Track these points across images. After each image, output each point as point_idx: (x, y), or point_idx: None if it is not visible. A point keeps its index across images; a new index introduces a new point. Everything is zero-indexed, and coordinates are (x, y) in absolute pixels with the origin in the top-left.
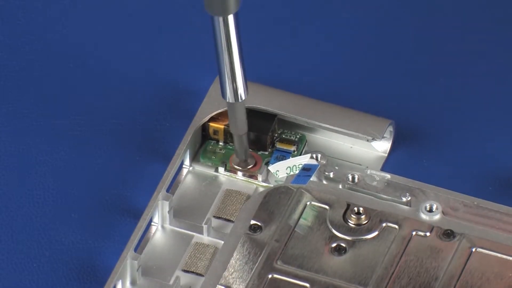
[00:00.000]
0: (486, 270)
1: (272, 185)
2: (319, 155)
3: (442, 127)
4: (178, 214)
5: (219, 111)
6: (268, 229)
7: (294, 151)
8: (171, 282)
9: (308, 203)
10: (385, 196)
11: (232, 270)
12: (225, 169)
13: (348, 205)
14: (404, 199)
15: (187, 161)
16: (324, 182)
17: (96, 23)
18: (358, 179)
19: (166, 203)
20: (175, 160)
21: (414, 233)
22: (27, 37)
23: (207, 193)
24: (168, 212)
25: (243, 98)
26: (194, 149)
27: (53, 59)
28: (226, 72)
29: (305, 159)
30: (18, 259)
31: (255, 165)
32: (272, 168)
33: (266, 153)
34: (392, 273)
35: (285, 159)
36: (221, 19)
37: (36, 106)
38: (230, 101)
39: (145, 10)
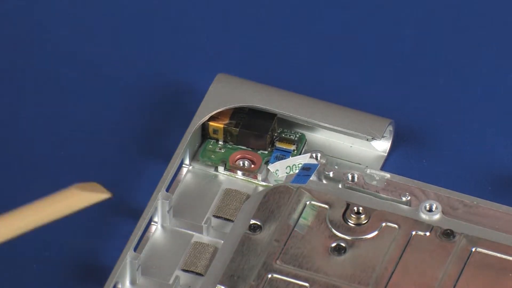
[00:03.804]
0: (486, 270)
1: (271, 185)
2: (319, 154)
3: (442, 127)
4: (178, 213)
5: (219, 110)
6: (268, 228)
7: (293, 150)
8: (171, 281)
9: (307, 202)
10: (384, 196)
11: (232, 270)
12: (225, 168)
13: (348, 205)
14: (403, 199)
15: (186, 161)
16: (324, 181)
17: (96, 23)
18: (357, 178)
19: (166, 203)
20: (174, 160)
21: (413, 232)
22: (27, 37)
23: (207, 192)
24: (168, 211)
25: None
26: (194, 148)
27: (53, 59)
28: None
29: (304, 159)
30: (18, 259)
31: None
32: (271, 167)
33: (266, 152)
34: (392, 273)
35: (284, 159)
36: None
37: (35, 105)
38: None
39: (145, 9)
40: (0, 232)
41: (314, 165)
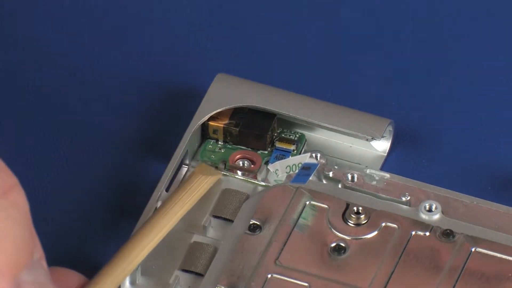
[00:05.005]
0: (486, 270)
1: (271, 185)
2: (319, 155)
3: (442, 127)
4: None
5: (219, 110)
6: (268, 228)
7: (293, 150)
8: (171, 281)
9: (307, 202)
10: (384, 196)
11: (232, 270)
12: (225, 168)
13: (348, 205)
14: (403, 199)
15: (186, 161)
16: (324, 181)
17: (96, 23)
18: (357, 178)
19: None
20: (174, 159)
21: (413, 232)
22: (27, 38)
23: (207, 192)
24: None
25: None
26: (194, 148)
27: (52, 59)
28: None
29: (304, 158)
30: None
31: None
32: (271, 167)
33: (266, 152)
34: (391, 273)
35: (284, 158)
36: None
37: (35, 105)
38: None
39: (145, 9)
40: (154, 233)
41: (314, 165)
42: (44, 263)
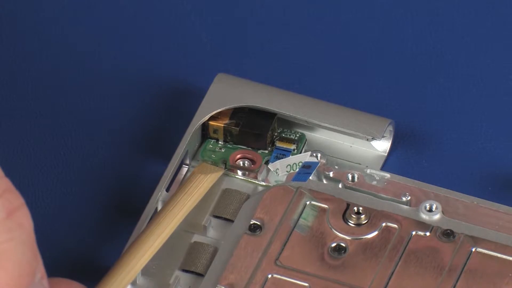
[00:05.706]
0: (486, 270)
1: (271, 185)
2: (319, 154)
3: (442, 127)
4: None
5: (219, 110)
6: (268, 228)
7: (293, 149)
8: (171, 281)
9: (307, 202)
10: (385, 196)
11: (232, 270)
12: (225, 168)
13: (348, 205)
14: (404, 199)
15: (186, 160)
16: (324, 181)
17: (96, 23)
18: (358, 178)
19: None
20: (174, 159)
21: (413, 233)
22: (27, 38)
23: (207, 192)
24: None
25: None
26: (194, 148)
27: (53, 58)
28: None
29: (305, 157)
30: None
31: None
32: (272, 166)
33: (266, 152)
34: (392, 273)
35: (284, 158)
36: None
37: (35, 105)
38: None
39: (145, 9)
40: (155, 237)
41: (315, 163)
42: (45, 282)
